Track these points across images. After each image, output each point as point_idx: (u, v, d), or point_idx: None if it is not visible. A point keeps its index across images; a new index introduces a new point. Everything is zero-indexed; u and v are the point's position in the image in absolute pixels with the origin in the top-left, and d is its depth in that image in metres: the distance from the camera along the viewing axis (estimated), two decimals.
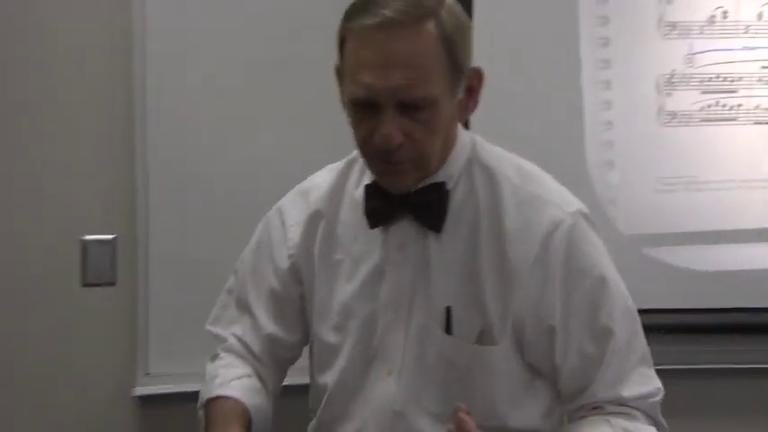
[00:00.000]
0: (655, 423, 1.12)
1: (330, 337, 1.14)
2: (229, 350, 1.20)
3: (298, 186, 1.22)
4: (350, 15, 1.02)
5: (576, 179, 1.97)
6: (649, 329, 2.02)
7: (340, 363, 1.14)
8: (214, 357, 1.21)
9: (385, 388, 1.11)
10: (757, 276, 2.05)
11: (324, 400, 1.16)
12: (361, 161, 1.14)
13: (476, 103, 1.08)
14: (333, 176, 1.18)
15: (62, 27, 1.81)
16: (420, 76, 0.99)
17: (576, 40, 1.98)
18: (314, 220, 1.16)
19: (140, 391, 1.85)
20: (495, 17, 1.91)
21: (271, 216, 1.22)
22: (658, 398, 1.13)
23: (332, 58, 1.07)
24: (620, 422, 1.08)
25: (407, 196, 1.08)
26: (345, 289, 1.13)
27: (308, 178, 1.22)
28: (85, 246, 1.80)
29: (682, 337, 2.06)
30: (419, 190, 1.08)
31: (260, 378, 1.18)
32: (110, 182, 1.82)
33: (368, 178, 1.12)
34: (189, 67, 1.87)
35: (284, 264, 1.17)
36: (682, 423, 2.10)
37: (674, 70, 2.03)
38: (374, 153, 1.04)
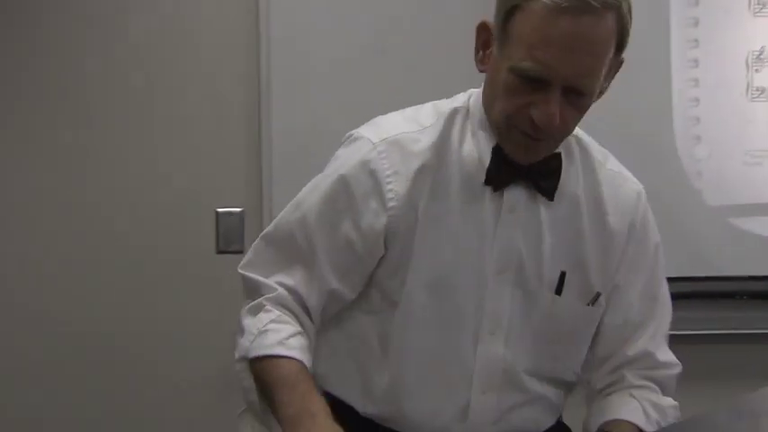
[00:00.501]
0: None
1: (422, 296, 1.12)
2: (278, 302, 1.12)
3: (374, 134, 1.14)
4: None
5: (664, 152, 2.10)
6: (734, 295, 2.16)
7: (429, 321, 1.12)
8: (257, 308, 1.12)
9: (490, 347, 1.13)
10: None
11: (400, 361, 1.13)
12: (461, 116, 1.14)
13: (607, 87, 1.11)
14: (436, 129, 1.13)
15: (189, 15, 2.02)
16: (596, 65, 1.02)
17: (667, 21, 2.07)
18: (422, 173, 1.11)
19: None
20: None
21: (352, 169, 1.12)
22: (679, 370, 1.23)
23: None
24: (645, 394, 1.18)
25: (530, 164, 1.11)
26: (448, 248, 1.11)
27: (381, 125, 1.16)
28: (219, 217, 2.03)
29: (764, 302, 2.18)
30: (541, 159, 1.12)
31: (307, 335, 1.13)
32: (240, 160, 2.04)
33: (479, 137, 1.12)
34: (312, 48, 2.03)
35: (379, 220, 1.10)
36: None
37: (763, 47, 2.10)
38: (522, 125, 1.05)
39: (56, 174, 2.03)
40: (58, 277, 2.04)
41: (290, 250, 1.14)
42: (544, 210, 1.13)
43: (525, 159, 1.10)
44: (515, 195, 1.12)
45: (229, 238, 2.03)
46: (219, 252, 2.03)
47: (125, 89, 2.03)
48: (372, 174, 1.11)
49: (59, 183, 2.04)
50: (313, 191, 1.16)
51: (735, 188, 2.13)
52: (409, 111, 1.18)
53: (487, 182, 1.11)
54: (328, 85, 2.02)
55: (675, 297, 2.10)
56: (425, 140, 1.12)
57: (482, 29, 1.09)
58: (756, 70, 2.11)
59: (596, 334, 1.20)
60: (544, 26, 0.99)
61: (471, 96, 1.15)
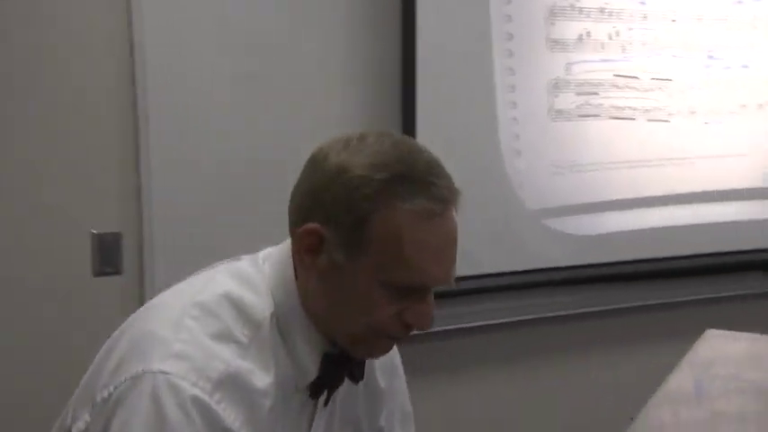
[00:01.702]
0: None
1: None
2: None
3: (195, 374, 0.91)
4: (392, 191, 0.92)
5: (492, 166, 2.44)
6: (547, 284, 2.54)
7: None
8: None
9: None
10: (626, 237, 2.64)
11: None
12: (274, 323, 0.98)
13: None
14: (259, 349, 0.96)
15: (62, 26, 1.92)
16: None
17: (490, 51, 2.42)
18: (265, 410, 0.96)
19: None
20: (435, 36, 2.31)
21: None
22: None
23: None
24: None
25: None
26: None
27: (192, 357, 0.92)
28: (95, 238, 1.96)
29: (572, 288, 2.61)
30: None
31: None
32: (116, 180, 1.98)
33: (296, 344, 0.99)
34: (189, 67, 2.05)
35: None
36: (591, 354, 2.65)
37: (557, 77, 2.54)
38: (392, 331, 0.98)
39: None
40: None
41: None
42: (337, 390, 1.07)
43: (380, 356, 1.05)
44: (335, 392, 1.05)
45: (106, 260, 1.96)
46: (97, 275, 1.96)
47: None
48: (225, 430, 0.92)
49: None
50: None
51: (545, 195, 2.53)
52: (206, 319, 0.95)
53: (312, 395, 1.02)
54: (207, 102, 2.06)
55: (503, 289, 2.49)
56: (258, 370, 0.95)
57: (310, 234, 0.95)
58: (555, 95, 2.54)
59: None
60: (419, 236, 0.93)
61: (275, 293, 0.99)
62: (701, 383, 1.34)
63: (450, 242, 0.96)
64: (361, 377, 1.06)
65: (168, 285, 1.99)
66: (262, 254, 1.04)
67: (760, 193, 2.82)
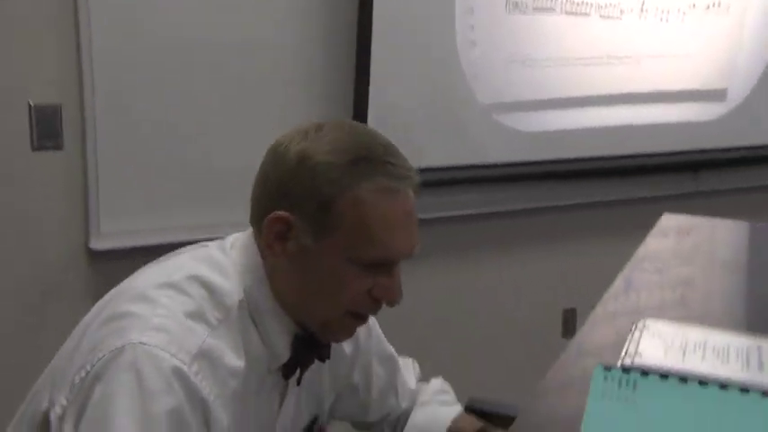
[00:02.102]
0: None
1: None
2: None
3: (175, 346, 0.92)
4: (354, 173, 0.96)
5: (447, 57, 2.40)
6: (497, 180, 2.56)
7: None
8: None
9: None
10: (573, 135, 2.66)
11: None
12: (243, 308, 1.00)
13: None
14: (230, 330, 0.98)
15: None
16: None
17: None
18: (236, 393, 0.98)
19: (94, 245, 1.95)
20: None
21: (179, 401, 0.91)
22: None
23: None
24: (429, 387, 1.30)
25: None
26: None
27: (170, 329, 0.94)
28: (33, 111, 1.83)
29: (518, 184, 2.64)
30: None
31: None
32: (56, 49, 1.84)
33: (268, 328, 1.01)
34: None
35: None
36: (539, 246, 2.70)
37: None
38: (363, 309, 1.02)
39: None
40: None
41: None
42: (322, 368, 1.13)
43: (346, 339, 1.09)
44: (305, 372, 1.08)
45: (46, 134, 1.85)
46: (35, 149, 1.84)
47: None
48: (203, 402, 0.93)
49: None
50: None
51: (498, 89, 2.51)
52: (180, 297, 0.97)
53: (285, 375, 1.05)
54: None
55: (452, 183, 2.48)
56: (228, 350, 0.97)
57: (278, 221, 0.98)
58: None
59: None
60: (383, 213, 0.97)
61: (243, 278, 1.01)
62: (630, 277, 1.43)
63: (411, 217, 1.00)
64: (328, 356, 1.09)
65: (111, 161, 1.93)
66: (228, 240, 1.06)
67: (699, 95, 2.88)
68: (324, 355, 1.08)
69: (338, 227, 0.96)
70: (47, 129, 1.85)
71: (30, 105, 1.84)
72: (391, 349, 1.28)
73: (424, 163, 2.37)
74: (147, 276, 1.01)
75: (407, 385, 1.29)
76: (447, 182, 2.49)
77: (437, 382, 1.33)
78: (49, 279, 1.91)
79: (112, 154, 1.93)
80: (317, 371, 1.12)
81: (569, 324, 2.95)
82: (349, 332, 1.06)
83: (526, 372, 2.77)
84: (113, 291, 1.03)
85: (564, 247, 2.84)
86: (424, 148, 2.38)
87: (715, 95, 2.90)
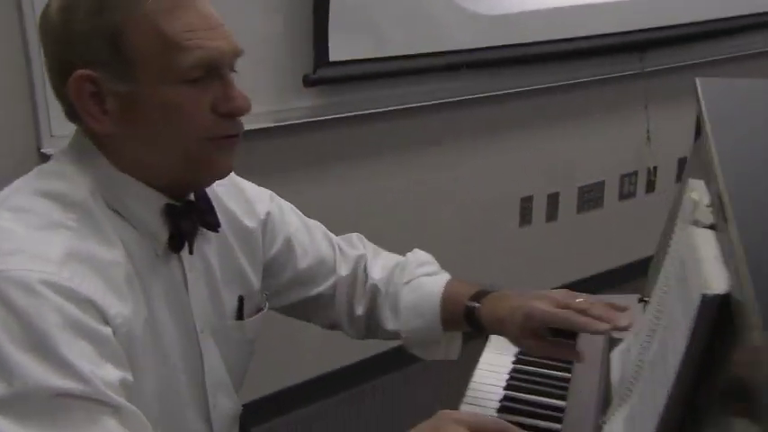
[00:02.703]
0: None
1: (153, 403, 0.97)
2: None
3: (40, 263, 0.84)
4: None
5: None
6: (455, 67, 2.49)
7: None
8: None
9: (224, 406, 1.10)
10: (528, 16, 2.60)
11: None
12: (93, 216, 0.92)
13: None
14: (89, 225, 0.91)
15: None
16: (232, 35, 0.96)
17: None
18: (121, 277, 0.92)
19: (47, 149, 1.81)
20: None
21: (60, 307, 0.83)
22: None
23: None
24: (406, 272, 1.25)
25: (193, 202, 1.02)
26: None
27: (28, 249, 0.86)
28: None
29: (478, 71, 2.57)
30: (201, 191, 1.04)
31: None
32: None
33: (131, 208, 0.95)
34: None
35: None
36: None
37: None
38: (223, 129, 0.95)
39: None
40: None
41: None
42: (208, 246, 1.07)
43: (228, 169, 1.01)
44: (194, 249, 1.02)
45: None
46: None
47: None
48: (89, 302, 0.86)
49: None
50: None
51: None
52: (23, 216, 0.89)
53: (174, 249, 0.99)
54: None
55: (415, 72, 2.40)
56: (97, 245, 0.90)
57: (82, 81, 0.90)
58: None
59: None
60: (173, 14, 0.90)
61: (83, 170, 0.94)
62: None
63: (210, 15, 0.93)
64: (218, 224, 1.04)
65: None
66: (55, 153, 0.99)
67: None
68: (210, 222, 1.03)
69: (138, 54, 0.89)
70: None
71: None
72: (313, 221, 1.26)
73: (384, 52, 2.31)
74: None
75: (332, 248, 1.25)
76: (412, 71, 2.41)
77: (415, 255, 1.28)
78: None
79: None
80: (225, 250, 1.09)
81: (526, 212, 2.98)
82: (221, 158, 0.97)
83: (488, 256, 2.82)
84: None
85: (521, 133, 2.83)
86: (389, 36, 2.29)
87: None
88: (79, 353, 0.82)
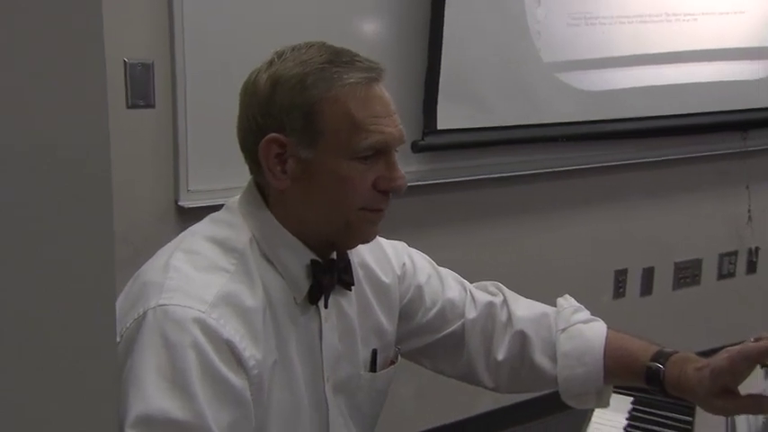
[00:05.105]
0: None
1: None
2: None
3: (194, 301, 0.96)
4: (326, 76, 1.01)
5: (514, 14, 2.41)
6: (557, 138, 2.57)
7: None
8: None
9: None
10: (629, 92, 2.68)
11: None
12: (253, 248, 1.04)
13: None
14: (243, 272, 1.02)
15: None
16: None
17: None
18: (260, 324, 1.01)
19: (183, 202, 1.97)
20: None
21: (204, 344, 0.94)
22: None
23: None
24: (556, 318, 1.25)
25: (335, 261, 1.10)
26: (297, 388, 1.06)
27: (187, 289, 0.97)
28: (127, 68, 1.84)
29: (580, 144, 2.66)
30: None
31: None
32: (148, 7, 1.85)
33: (283, 259, 1.05)
34: None
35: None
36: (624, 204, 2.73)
37: None
38: (377, 204, 1.05)
39: None
40: None
41: None
42: (347, 302, 1.14)
43: (373, 237, 1.10)
44: (330, 303, 1.09)
45: (138, 92, 1.86)
46: (130, 107, 1.86)
47: None
48: (228, 344, 0.96)
49: None
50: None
51: (561, 47, 2.53)
52: (191, 257, 1.01)
53: (311, 300, 1.07)
54: None
55: (517, 142, 2.50)
56: (247, 290, 1.00)
57: (272, 143, 1.01)
58: None
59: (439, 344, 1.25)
60: (364, 102, 1.01)
61: (248, 220, 1.06)
62: None
63: (390, 104, 1.05)
64: (352, 282, 1.12)
65: (201, 119, 1.95)
66: (229, 201, 1.10)
67: (756, 52, 2.90)
68: (346, 280, 1.11)
69: (327, 128, 1.00)
70: (140, 87, 1.86)
71: (125, 63, 1.85)
72: (442, 270, 1.29)
73: (488, 122, 2.42)
74: (160, 252, 1.06)
75: (463, 292, 1.27)
76: (514, 141, 2.51)
77: (568, 302, 1.28)
78: (139, 235, 1.93)
79: (202, 112, 1.95)
80: (364, 307, 1.15)
81: (620, 285, 2.98)
82: (370, 228, 1.07)
83: None
84: (135, 274, 1.06)
85: (619, 206, 2.87)
86: (487, 104, 2.41)
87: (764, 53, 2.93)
88: (204, 392, 0.93)
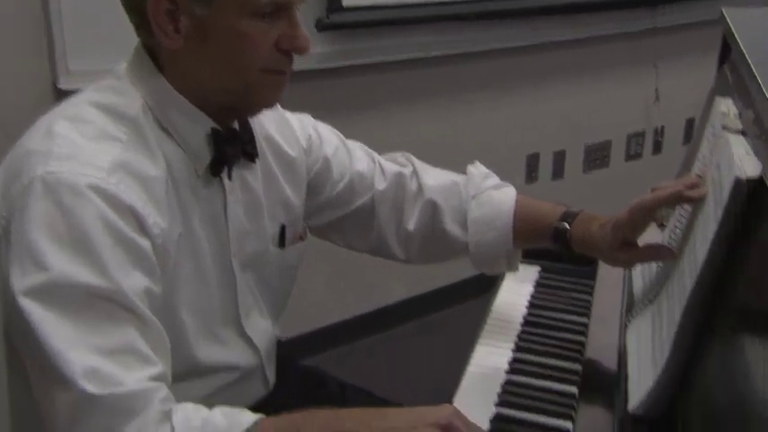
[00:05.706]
0: None
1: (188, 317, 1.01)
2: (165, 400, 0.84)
3: (91, 168, 0.88)
4: None
5: None
6: (464, 17, 2.48)
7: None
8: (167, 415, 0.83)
9: (257, 323, 1.12)
10: None
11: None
12: (142, 131, 0.95)
13: None
14: (137, 141, 0.94)
15: None
16: None
17: None
18: (162, 192, 0.95)
19: (63, 85, 1.81)
20: None
21: (105, 211, 0.87)
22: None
23: None
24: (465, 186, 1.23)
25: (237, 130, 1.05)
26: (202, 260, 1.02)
27: (78, 156, 0.89)
28: None
29: (491, 22, 2.57)
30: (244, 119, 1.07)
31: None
32: None
33: (180, 128, 0.98)
34: None
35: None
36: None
37: None
38: (278, 65, 0.98)
39: None
40: None
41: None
42: (252, 176, 1.09)
43: (275, 102, 1.05)
44: (234, 176, 1.04)
45: None
46: None
47: None
48: (130, 209, 0.89)
49: None
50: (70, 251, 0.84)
51: None
52: (78, 125, 0.93)
53: (214, 172, 1.01)
54: None
55: (428, 21, 2.40)
56: (145, 159, 0.94)
57: (160, 1, 0.93)
58: None
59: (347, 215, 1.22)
60: None
61: (139, 86, 0.97)
62: None
63: None
64: (256, 153, 1.07)
65: None
66: (116, 67, 1.01)
67: None
68: (250, 152, 1.06)
69: None
70: None
71: None
72: (353, 143, 1.26)
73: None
74: (39, 122, 0.96)
75: (372, 164, 1.24)
76: (425, 19, 2.41)
77: (478, 169, 1.26)
78: (13, 121, 1.77)
79: None
80: (269, 179, 1.11)
81: (532, 169, 2.98)
82: (272, 92, 1.02)
83: None
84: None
85: (531, 88, 2.84)
86: None
87: None
88: (113, 257, 0.86)
